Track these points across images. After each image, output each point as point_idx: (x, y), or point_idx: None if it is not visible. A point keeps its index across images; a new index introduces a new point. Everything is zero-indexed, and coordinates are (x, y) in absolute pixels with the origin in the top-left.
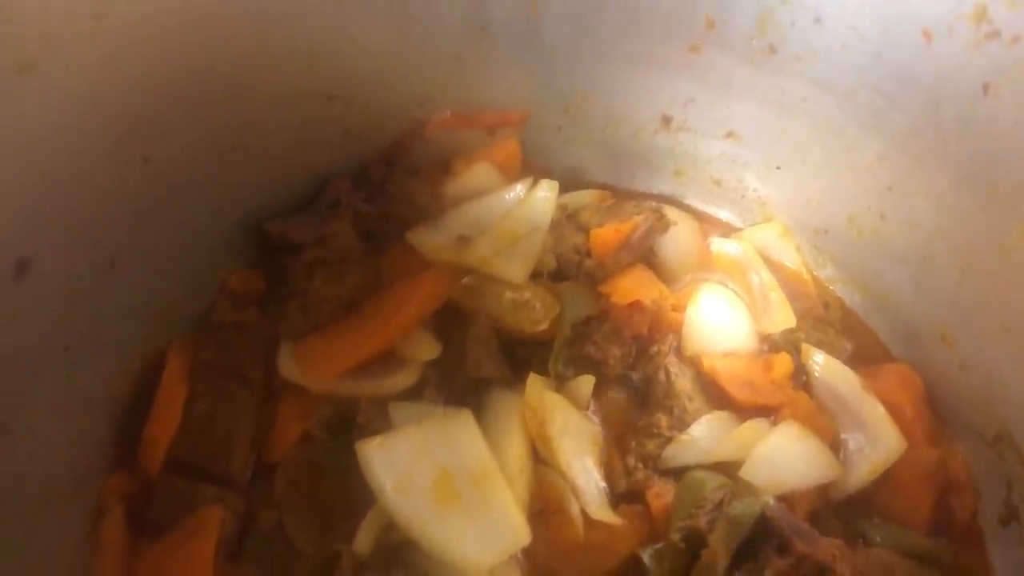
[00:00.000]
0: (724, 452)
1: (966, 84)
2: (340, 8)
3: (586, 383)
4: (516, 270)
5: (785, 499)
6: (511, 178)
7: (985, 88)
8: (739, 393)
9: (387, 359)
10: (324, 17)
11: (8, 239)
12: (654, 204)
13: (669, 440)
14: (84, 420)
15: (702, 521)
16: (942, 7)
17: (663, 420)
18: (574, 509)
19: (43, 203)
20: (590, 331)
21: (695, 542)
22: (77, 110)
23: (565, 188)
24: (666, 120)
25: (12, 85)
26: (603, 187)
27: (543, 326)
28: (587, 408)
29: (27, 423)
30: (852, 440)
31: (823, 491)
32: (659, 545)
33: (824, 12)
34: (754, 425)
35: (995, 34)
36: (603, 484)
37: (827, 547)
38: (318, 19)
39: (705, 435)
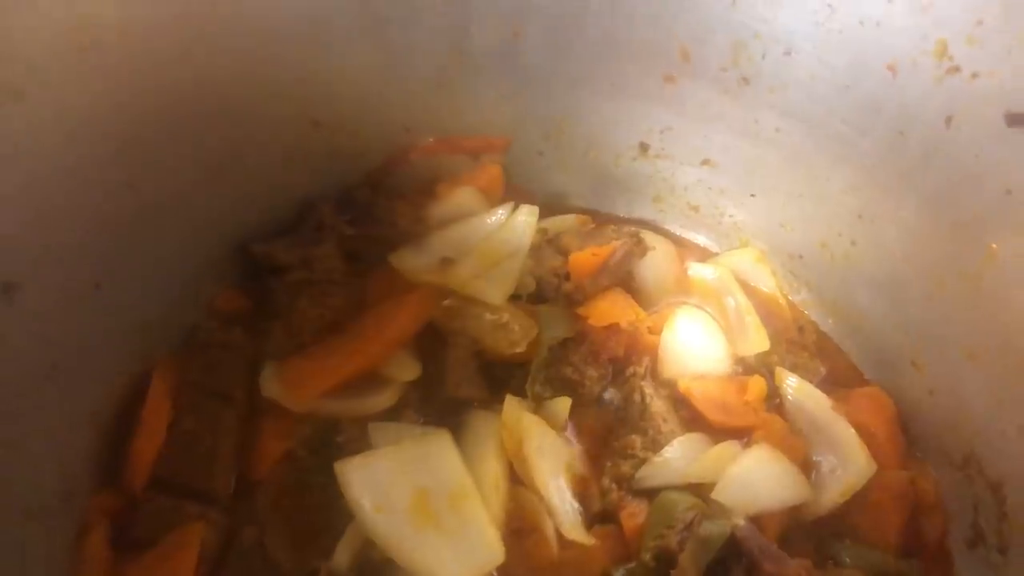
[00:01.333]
0: (697, 473)
1: (930, 116)
2: (325, 36)
3: (563, 404)
4: (496, 292)
5: (756, 520)
6: (494, 202)
7: (948, 121)
8: (713, 415)
9: (368, 379)
10: (309, 46)
11: None
12: (633, 229)
13: (643, 461)
14: (70, 438)
15: (673, 541)
16: (906, 43)
17: (638, 441)
18: (549, 529)
19: (29, 228)
20: (567, 353)
21: (665, 562)
22: (65, 137)
23: (548, 213)
24: (644, 147)
25: (5, 113)
26: (584, 212)
27: (521, 348)
28: (564, 429)
29: (15, 442)
30: (824, 462)
31: (795, 512)
32: (631, 565)
33: (794, 45)
34: (727, 447)
35: (956, 69)
36: (577, 505)
37: (795, 568)
38: (303, 48)
39: (678, 456)
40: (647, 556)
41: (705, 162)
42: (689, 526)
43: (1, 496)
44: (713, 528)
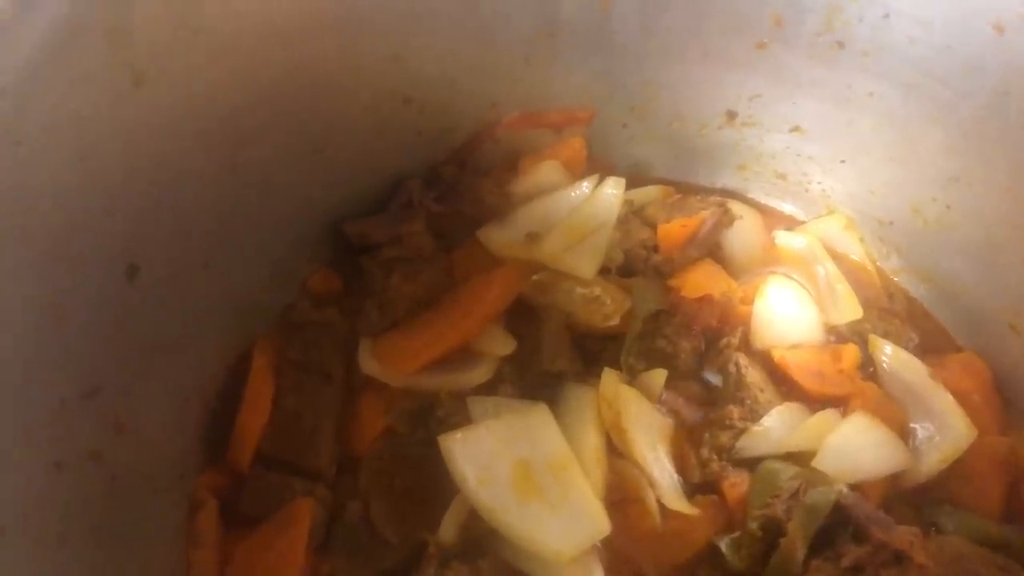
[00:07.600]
0: (796, 442)
1: None
2: (419, 11)
3: (658, 376)
4: (586, 266)
5: (858, 488)
6: (576, 176)
7: None
8: (809, 384)
9: (463, 354)
10: (405, 21)
11: (121, 245)
12: (718, 199)
13: (742, 431)
14: (181, 417)
15: (779, 510)
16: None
17: (735, 412)
18: (650, 499)
19: (149, 209)
20: (660, 325)
21: (773, 531)
22: (178, 119)
23: (629, 184)
24: (731, 116)
25: (128, 99)
26: (666, 183)
27: (614, 321)
28: (659, 401)
29: (137, 421)
30: (921, 429)
31: (894, 480)
32: (736, 534)
33: (893, 7)
34: (826, 415)
35: None
36: (677, 475)
37: (904, 534)
38: (399, 24)
39: (777, 426)
40: (753, 525)
41: (794, 129)
42: (795, 495)
43: (125, 475)
44: (819, 496)
